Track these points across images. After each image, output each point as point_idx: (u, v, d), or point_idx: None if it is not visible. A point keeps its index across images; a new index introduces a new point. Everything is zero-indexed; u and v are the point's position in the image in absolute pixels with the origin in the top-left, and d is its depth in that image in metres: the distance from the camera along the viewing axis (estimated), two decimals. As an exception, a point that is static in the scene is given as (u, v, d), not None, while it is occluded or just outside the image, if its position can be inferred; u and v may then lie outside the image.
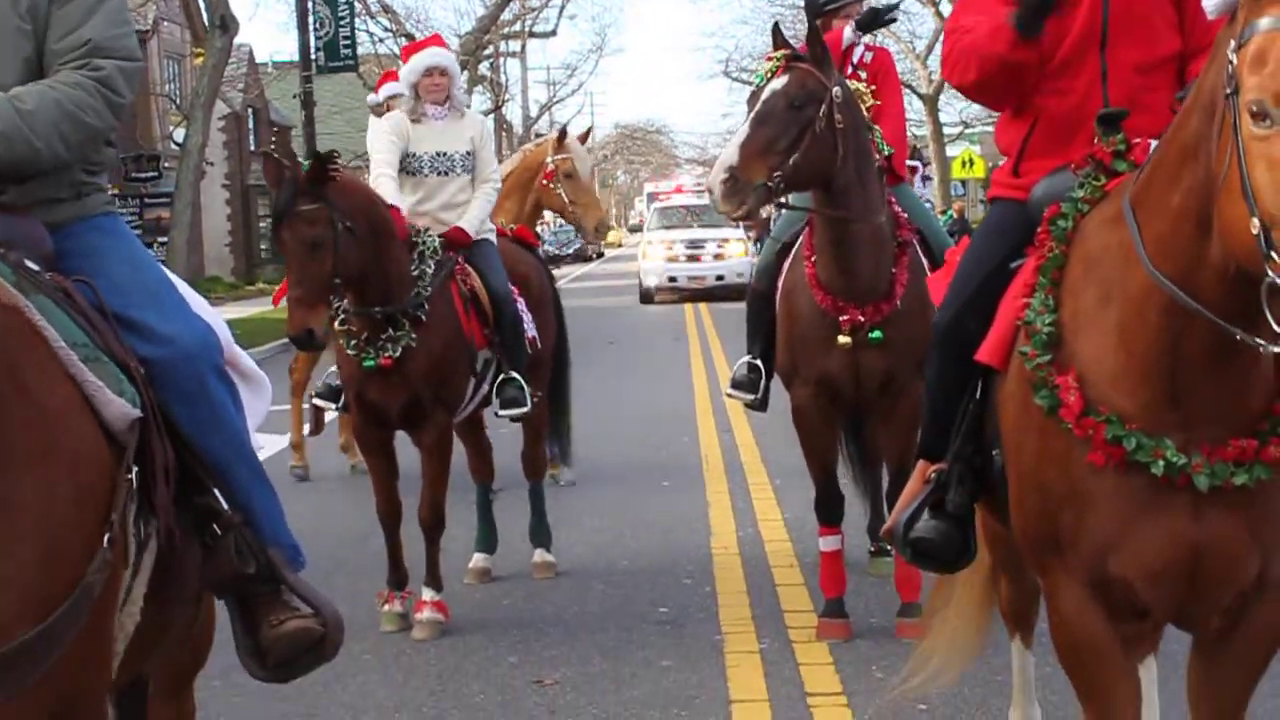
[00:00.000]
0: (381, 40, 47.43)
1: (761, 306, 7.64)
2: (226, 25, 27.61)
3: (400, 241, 7.52)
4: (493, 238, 8.36)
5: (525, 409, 8.02)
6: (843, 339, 6.98)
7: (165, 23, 42.49)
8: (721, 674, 6.73)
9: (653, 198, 57.32)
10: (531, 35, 59.12)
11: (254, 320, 26.97)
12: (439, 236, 7.82)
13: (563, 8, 55.79)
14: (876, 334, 6.97)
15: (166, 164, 38.54)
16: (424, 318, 7.50)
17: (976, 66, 4.28)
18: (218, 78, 28.73)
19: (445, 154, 8.11)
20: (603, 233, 11.10)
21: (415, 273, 7.53)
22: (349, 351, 7.55)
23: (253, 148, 49.70)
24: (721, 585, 8.26)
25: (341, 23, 36.47)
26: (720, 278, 33.80)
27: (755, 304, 7.77)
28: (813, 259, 7.05)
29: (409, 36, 46.42)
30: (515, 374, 7.97)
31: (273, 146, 46.97)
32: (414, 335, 7.44)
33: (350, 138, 51.06)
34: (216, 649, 4.07)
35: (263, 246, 47.69)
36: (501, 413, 8.08)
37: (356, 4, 39.00)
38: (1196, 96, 3.41)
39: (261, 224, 47.79)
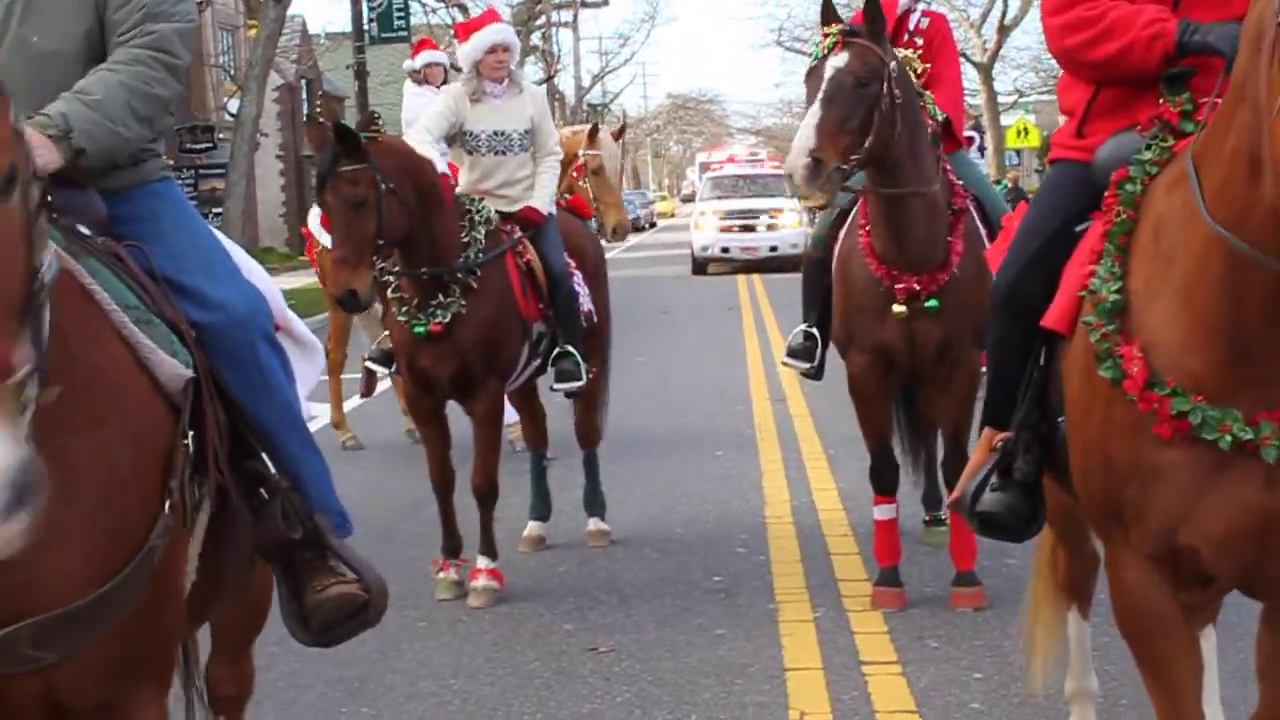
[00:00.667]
0: (434, 11, 47.46)
1: (818, 275, 7.58)
2: (280, -4, 27.68)
3: (447, 206, 7.50)
4: (554, 210, 8.29)
5: (580, 383, 8.01)
6: (898, 308, 6.92)
7: (219, -6, 42.66)
8: (776, 642, 6.73)
9: (704, 168, 57.18)
10: (584, 5, 59.13)
11: (307, 290, 27.04)
12: (511, 213, 7.85)
13: (615, -23, 55.76)
14: (933, 303, 6.91)
15: (221, 135, 38.69)
16: (475, 285, 7.48)
17: (1114, 55, 4.00)
18: (271, 48, 28.83)
19: (503, 133, 7.99)
20: (621, 235, 11.00)
21: (465, 239, 7.51)
22: (400, 318, 7.55)
23: (306, 118, 49.81)
24: (776, 554, 8.25)
25: (395, -7, 36.49)
26: (774, 248, 33.56)
27: (811, 272, 7.70)
28: (867, 228, 7.00)
29: (461, 7, 46.45)
30: (571, 348, 7.93)
31: (318, 110, 47.08)
32: (464, 302, 7.44)
33: (403, 108, 51.10)
34: (273, 614, 4.10)
35: (317, 217, 47.83)
36: (557, 386, 8.07)
37: (409, -26, 39.00)
38: (1245, 29, 3.32)
39: (313, 193, 47.86)
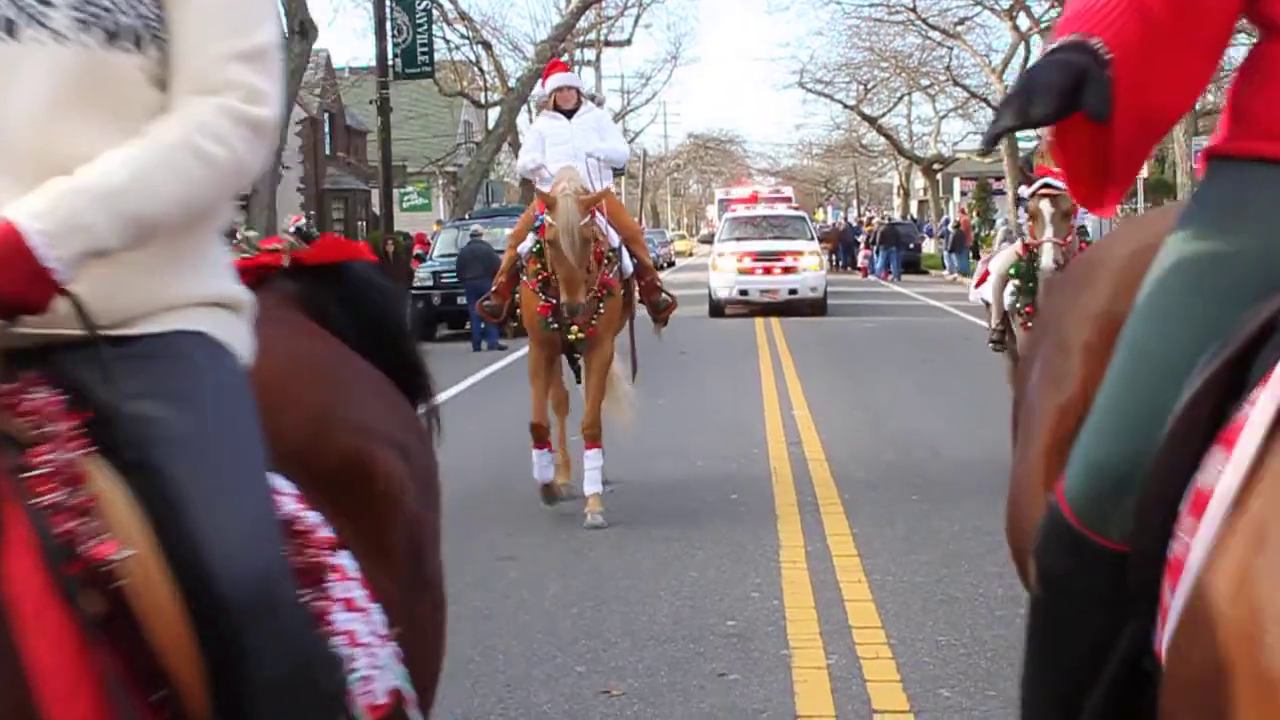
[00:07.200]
0: (458, 47, 47.72)
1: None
2: (305, 31, 27.89)
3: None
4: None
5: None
6: None
7: (245, 27, 42.92)
8: (789, 689, 6.72)
9: (724, 205, 57.09)
10: (607, 44, 59.38)
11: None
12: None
13: (638, 17, 56.05)
14: None
15: (243, 167, 38.93)
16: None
17: None
18: (296, 83, 29.05)
19: None
20: (571, 312, 10.16)
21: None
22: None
23: (328, 152, 50.08)
24: (789, 599, 8.24)
25: (419, 29, 36.74)
26: (793, 291, 33.60)
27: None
28: None
29: (486, 45, 46.71)
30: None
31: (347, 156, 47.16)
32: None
33: (425, 143, 51.37)
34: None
35: (336, 250, 47.91)
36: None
37: (434, 11, 39.27)
38: None
39: (335, 227, 48.16)
